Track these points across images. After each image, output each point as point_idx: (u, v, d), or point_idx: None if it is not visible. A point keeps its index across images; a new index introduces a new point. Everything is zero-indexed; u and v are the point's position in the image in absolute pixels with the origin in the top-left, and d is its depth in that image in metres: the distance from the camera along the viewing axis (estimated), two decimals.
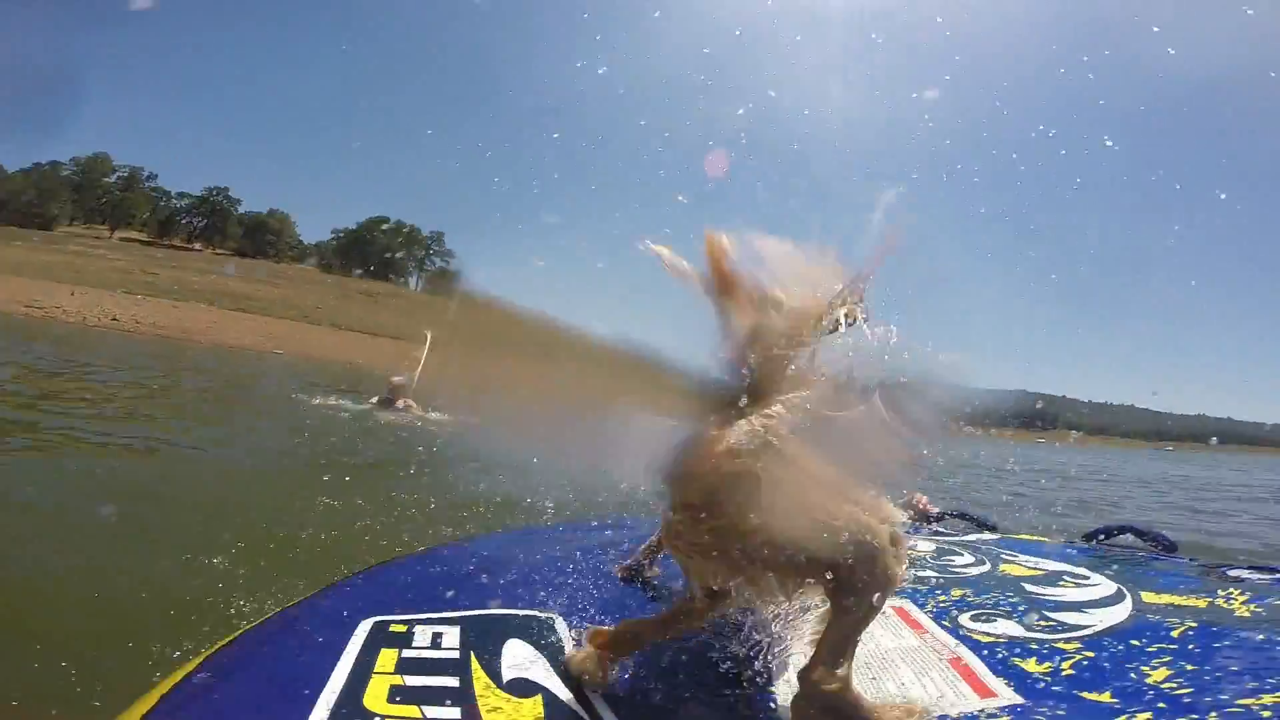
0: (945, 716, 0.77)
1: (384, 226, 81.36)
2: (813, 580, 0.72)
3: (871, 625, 1.01)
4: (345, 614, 1.00)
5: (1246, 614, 0.99)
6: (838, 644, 0.72)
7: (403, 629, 0.97)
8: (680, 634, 0.88)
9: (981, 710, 0.77)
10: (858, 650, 0.87)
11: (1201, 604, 1.05)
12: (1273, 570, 1.23)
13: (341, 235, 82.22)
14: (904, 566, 0.74)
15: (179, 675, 0.85)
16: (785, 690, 0.86)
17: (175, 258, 64.82)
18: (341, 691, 0.79)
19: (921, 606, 1.10)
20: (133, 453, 4.48)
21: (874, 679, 0.87)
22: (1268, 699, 0.70)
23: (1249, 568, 1.27)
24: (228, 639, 0.96)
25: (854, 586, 0.71)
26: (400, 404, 7.95)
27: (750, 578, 0.72)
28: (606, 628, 0.87)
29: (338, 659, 0.86)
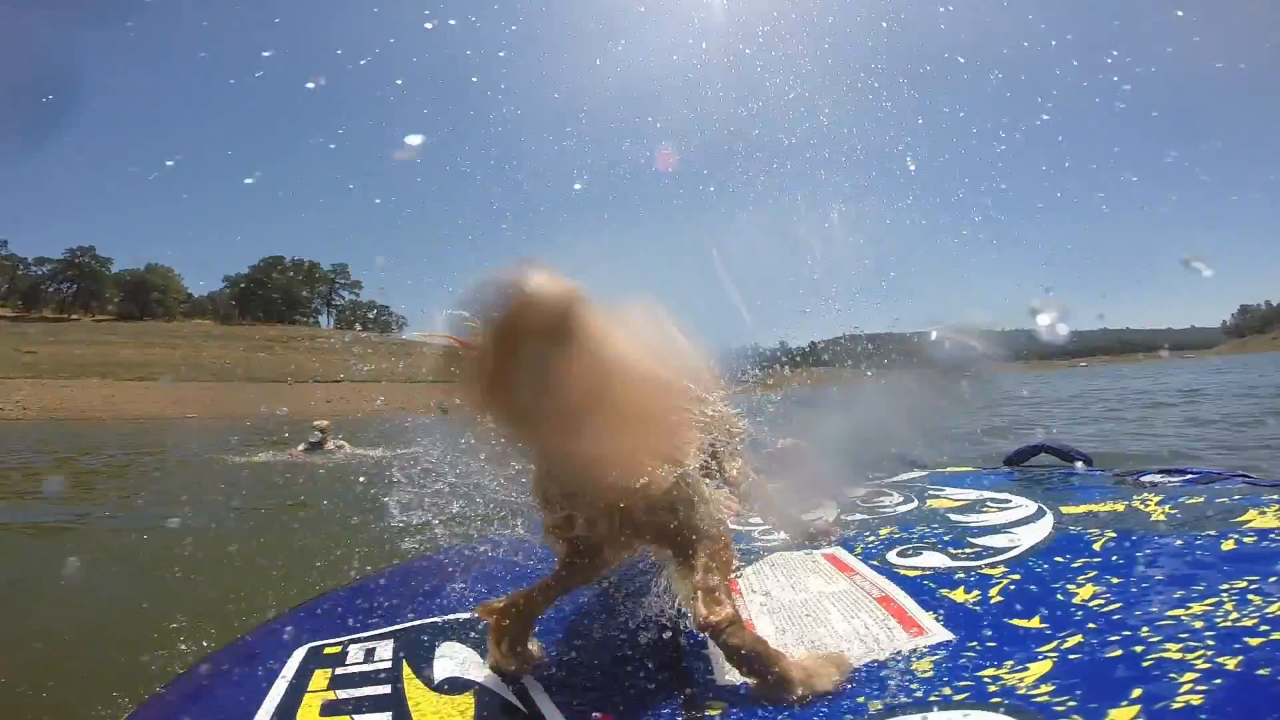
0: (875, 661, 0.77)
1: (280, 267, 76.49)
2: (636, 533, 0.83)
3: (803, 574, 1.06)
4: (280, 645, 1.02)
5: (1162, 517, 1.02)
6: (706, 589, 0.78)
7: (336, 650, 1.00)
8: (568, 591, 0.92)
9: (913, 650, 0.77)
10: (791, 599, 0.94)
11: (1120, 509, 1.09)
12: (1181, 472, 1.29)
13: (236, 282, 76.77)
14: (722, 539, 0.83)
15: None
16: (712, 659, 0.87)
17: (52, 331, 59.01)
18: (274, 714, 0.82)
19: (851, 550, 1.14)
20: (29, 531, 4.13)
21: (805, 626, 0.88)
22: (1196, 608, 0.69)
23: (1159, 472, 1.32)
24: (167, 682, 0.98)
25: (680, 541, 0.81)
26: (330, 445, 7.78)
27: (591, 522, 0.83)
28: (494, 602, 0.89)
29: (271, 686, 0.89)
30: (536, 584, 0.90)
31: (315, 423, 8.03)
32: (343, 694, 0.86)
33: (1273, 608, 0.66)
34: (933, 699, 0.66)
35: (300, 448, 7.96)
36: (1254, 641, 0.60)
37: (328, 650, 0.99)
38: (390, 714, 0.80)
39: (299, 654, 0.98)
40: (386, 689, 0.86)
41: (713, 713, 0.74)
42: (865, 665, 0.76)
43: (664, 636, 0.93)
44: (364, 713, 0.81)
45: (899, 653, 0.77)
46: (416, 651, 0.96)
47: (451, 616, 1.07)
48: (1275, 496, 1.00)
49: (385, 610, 1.14)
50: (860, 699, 0.70)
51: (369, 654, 0.97)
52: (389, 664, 0.93)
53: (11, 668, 1.76)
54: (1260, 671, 0.56)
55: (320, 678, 0.90)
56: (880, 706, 0.68)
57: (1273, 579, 0.72)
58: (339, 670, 0.92)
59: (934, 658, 0.75)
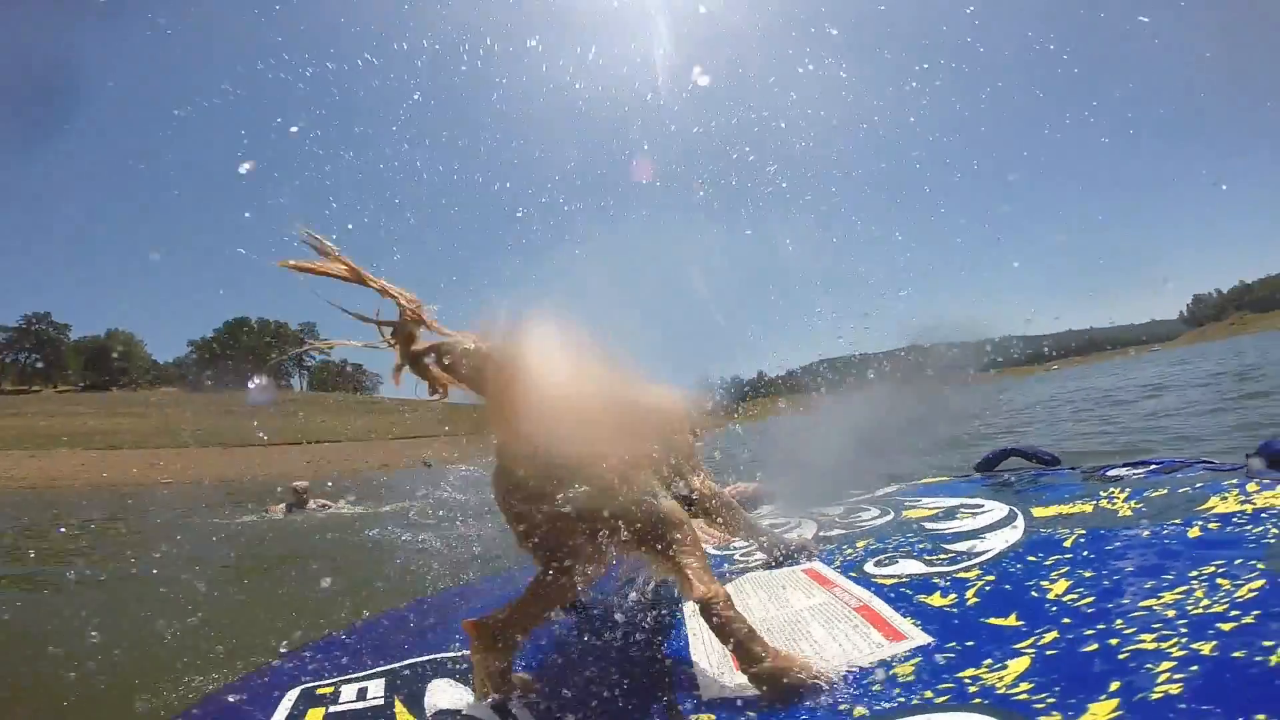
0: (857, 668, 0.77)
1: (246, 329, 74.23)
2: (614, 535, 0.87)
3: (784, 589, 1.10)
4: (273, 688, 1.04)
5: (1129, 511, 1.03)
6: (684, 568, 0.85)
7: (329, 690, 1.02)
8: (547, 611, 0.93)
9: (893, 655, 0.78)
10: (773, 614, 0.97)
11: (1088, 509, 1.11)
12: (1145, 464, 1.32)
13: (200, 347, 73.93)
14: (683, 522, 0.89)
15: None
16: (697, 674, 0.89)
17: (13, 404, 56.89)
18: None
19: (829, 563, 1.17)
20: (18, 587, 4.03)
21: (787, 639, 0.89)
22: (1168, 596, 0.70)
23: (1124, 465, 1.35)
24: None
25: (651, 535, 0.86)
26: (312, 505, 7.72)
27: (567, 537, 0.87)
28: (473, 619, 0.91)
29: None
30: (512, 602, 0.91)
31: (294, 483, 7.98)
32: None
33: (1241, 591, 0.67)
34: (915, 702, 0.67)
35: (280, 507, 7.85)
36: (1226, 626, 0.61)
37: (320, 691, 1.01)
38: None
39: (292, 695, 1.00)
40: None
41: None
42: (847, 671, 0.77)
43: (648, 654, 0.96)
44: None
45: (879, 659, 0.78)
46: (408, 688, 0.99)
47: (441, 655, 1.10)
48: (1235, 480, 1.03)
49: (376, 651, 1.16)
50: (843, 705, 0.70)
51: (361, 693, 0.99)
52: (381, 701, 0.95)
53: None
54: (1235, 654, 0.57)
55: (314, 717, 0.92)
56: (864, 712, 0.68)
57: (1238, 561, 0.74)
58: (332, 709, 0.94)
59: (914, 661, 0.76)
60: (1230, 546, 0.79)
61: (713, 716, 0.76)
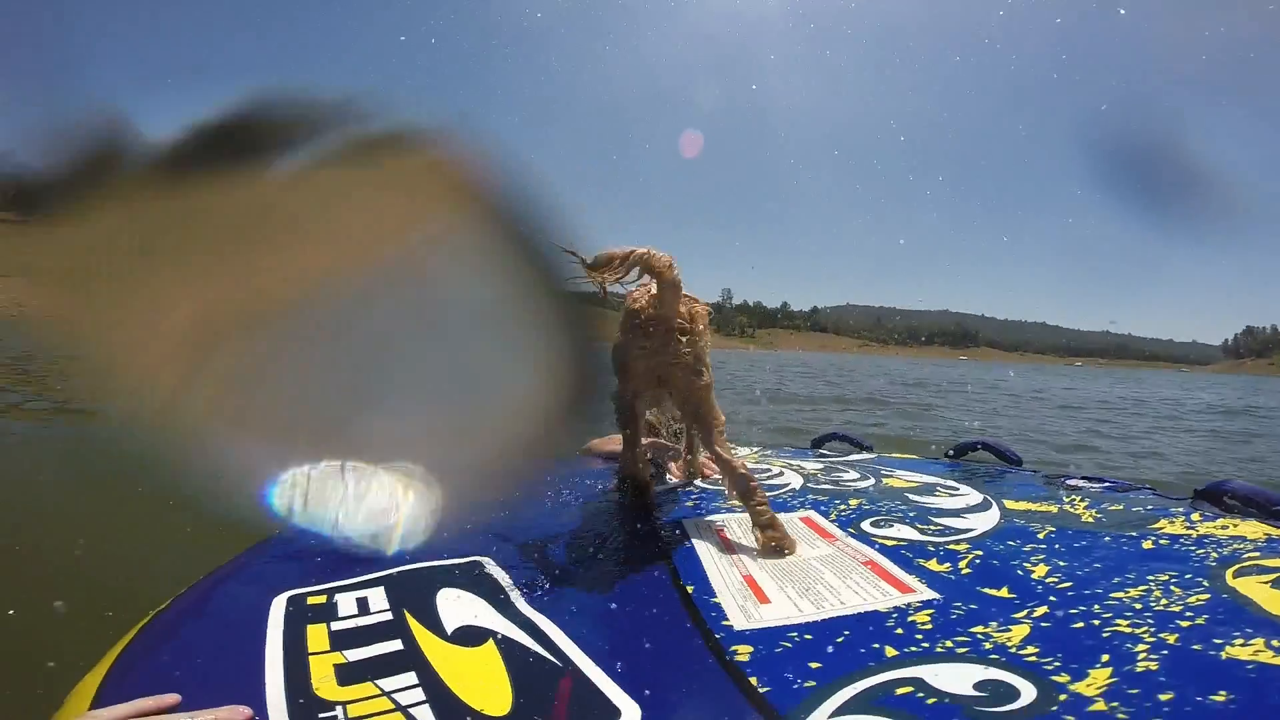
0: (876, 612, 0.81)
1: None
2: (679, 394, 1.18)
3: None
4: (253, 594, 0.88)
5: (1090, 519, 1.12)
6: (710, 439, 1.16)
7: (322, 599, 0.88)
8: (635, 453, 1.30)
9: (907, 604, 0.82)
10: (780, 561, 1.02)
11: (1053, 509, 1.18)
12: (1100, 480, 1.41)
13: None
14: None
15: (96, 674, 0.71)
16: (725, 609, 0.87)
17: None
18: (285, 686, 0.68)
19: (826, 516, 1.18)
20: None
21: (800, 580, 0.92)
22: (1133, 591, 0.80)
23: (1082, 478, 1.44)
24: (128, 636, 0.81)
25: (695, 403, 1.18)
26: None
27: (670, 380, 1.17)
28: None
29: (262, 646, 0.76)
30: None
31: None
32: (352, 654, 0.73)
33: (1192, 598, 0.77)
34: (939, 650, 0.71)
35: None
36: (1184, 623, 0.71)
37: (312, 600, 0.86)
38: (414, 674, 0.70)
39: (279, 604, 0.84)
40: (398, 644, 0.75)
41: (741, 657, 0.73)
42: (868, 613, 0.80)
43: (670, 582, 0.93)
44: (385, 675, 0.69)
45: (896, 607, 0.81)
46: (414, 600, 0.85)
47: (444, 561, 0.98)
48: (1180, 509, 1.13)
49: (357, 554, 1.01)
50: (875, 644, 0.73)
51: (362, 604, 0.85)
52: (389, 615, 0.82)
53: None
54: (1194, 646, 0.67)
55: (317, 636, 0.77)
56: (895, 653, 0.71)
57: (1186, 575, 0.84)
58: (335, 625, 0.80)
59: (927, 612, 0.80)
60: (1179, 561, 0.89)
61: (751, 648, 0.75)
